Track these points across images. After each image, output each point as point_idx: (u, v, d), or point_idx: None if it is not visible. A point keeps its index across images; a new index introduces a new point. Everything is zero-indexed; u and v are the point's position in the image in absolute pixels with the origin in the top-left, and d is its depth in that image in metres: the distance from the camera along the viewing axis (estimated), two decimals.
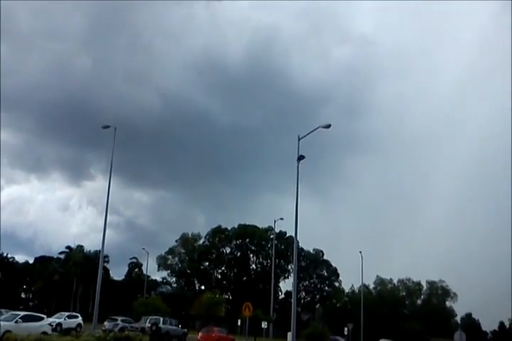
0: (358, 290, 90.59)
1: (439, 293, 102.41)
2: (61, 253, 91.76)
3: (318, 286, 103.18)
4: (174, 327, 45.45)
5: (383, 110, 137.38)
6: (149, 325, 42.16)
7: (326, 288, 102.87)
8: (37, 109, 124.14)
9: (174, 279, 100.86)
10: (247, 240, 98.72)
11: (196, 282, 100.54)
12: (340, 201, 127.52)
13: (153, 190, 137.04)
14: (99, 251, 42.97)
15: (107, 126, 38.39)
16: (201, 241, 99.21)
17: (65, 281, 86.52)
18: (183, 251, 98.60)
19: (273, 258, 72.85)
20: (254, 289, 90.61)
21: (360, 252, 70.22)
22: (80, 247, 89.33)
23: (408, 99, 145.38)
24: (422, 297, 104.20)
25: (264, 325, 51.03)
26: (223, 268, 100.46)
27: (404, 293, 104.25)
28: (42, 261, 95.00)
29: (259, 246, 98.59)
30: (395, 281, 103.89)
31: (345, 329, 64.56)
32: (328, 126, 31.20)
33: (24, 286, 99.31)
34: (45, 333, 28.09)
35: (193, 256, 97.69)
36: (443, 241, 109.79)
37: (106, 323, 47.77)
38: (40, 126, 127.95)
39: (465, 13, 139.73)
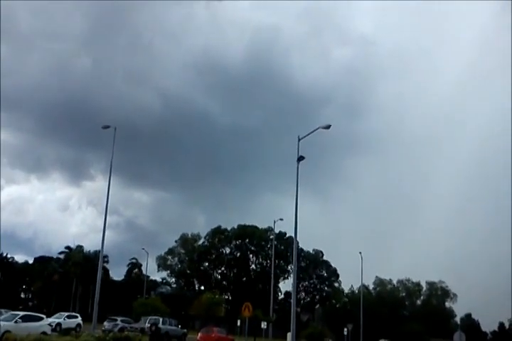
0: (358, 291, 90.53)
1: (439, 294, 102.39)
2: (61, 253, 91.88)
3: (318, 287, 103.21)
4: (174, 328, 45.45)
5: (383, 110, 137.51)
6: (149, 325, 42.15)
7: (326, 288, 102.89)
8: (37, 109, 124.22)
9: (174, 279, 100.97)
10: (247, 240, 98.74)
11: (196, 282, 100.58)
12: (340, 201, 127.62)
13: (153, 190, 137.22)
14: (99, 251, 42.91)
15: (107, 126, 38.35)
16: (201, 242, 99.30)
17: (64, 281, 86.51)
18: (182, 251, 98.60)
19: (273, 259, 72.89)
20: (254, 289, 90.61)
21: (360, 253, 70.21)
22: (80, 247, 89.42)
23: (408, 99, 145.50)
24: (422, 297, 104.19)
25: (263, 325, 51.13)
26: (223, 269, 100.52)
27: (403, 294, 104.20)
28: (41, 261, 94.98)
29: (258, 247, 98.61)
30: (395, 282, 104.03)
31: (345, 329, 64.51)
32: (328, 127, 31.16)
33: (24, 286, 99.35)
34: (44, 333, 28.07)
35: (192, 257, 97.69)
36: (443, 241, 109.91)
37: (105, 323, 47.81)
38: (40, 126, 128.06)
39: (465, 13, 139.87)
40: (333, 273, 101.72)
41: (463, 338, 34.36)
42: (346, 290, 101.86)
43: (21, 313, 31.43)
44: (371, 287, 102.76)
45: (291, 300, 33.66)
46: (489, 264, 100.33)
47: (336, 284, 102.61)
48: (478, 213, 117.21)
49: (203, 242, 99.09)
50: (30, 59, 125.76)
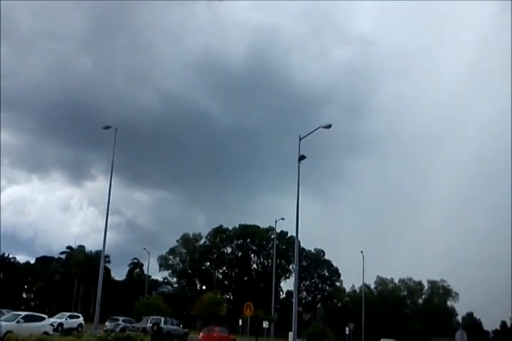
0: (359, 290, 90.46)
1: (441, 293, 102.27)
2: (62, 253, 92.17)
3: (320, 286, 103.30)
4: (175, 327, 45.49)
5: (383, 110, 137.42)
6: (150, 325, 42.33)
7: (327, 287, 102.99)
8: (37, 109, 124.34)
9: (175, 279, 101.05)
10: (248, 240, 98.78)
11: (197, 282, 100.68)
12: (341, 201, 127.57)
13: (153, 190, 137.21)
14: (100, 251, 42.97)
15: (108, 127, 38.41)
16: (202, 241, 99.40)
17: (66, 281, 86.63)
18: (184, 251, 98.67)
19: (274, 258, 72.86)
20: (256, 289, 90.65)
21: (362, 252, 70.16)
22: (81, 247, 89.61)
23: (408, 99, 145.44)
24: (424, 296, 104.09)
25: (265, 324, 51.00)
26: (224, 268, 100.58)
27: (405, 293, 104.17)
28: (43, 261, 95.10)
29: (260, 246, 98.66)
30: (396, 281, 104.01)
31: (347, 329, 64.43)
32: (328, 127, 31.14)
33: (25, 286, 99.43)
34: (46, 333, 28.17)
35: (194, 256, 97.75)
36: (443, 241, 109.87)
37: (107, 323, 47.81)
38: (41, 126, 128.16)
39: (465, 13, 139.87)
40: (335, 273, 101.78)
41: (464, 337, 34.35)
42: (348, 289, 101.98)
43: (23, 313, 31.51)
44: (372, 286, 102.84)
45: (293, 300, 33.67)
46: (490, 263, 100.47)
47: (338, 283, 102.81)
48: (478, 213, 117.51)
49: (205, 242, 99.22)
50: (31, 59, 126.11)
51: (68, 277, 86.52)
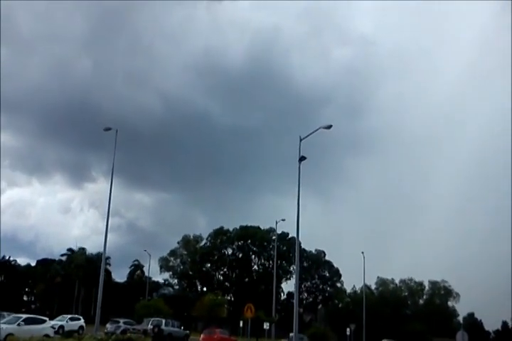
0: (360, 291, 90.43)
1: (442, 293, 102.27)
2: (63, 255, 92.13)
3: (320, 287, 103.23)
4: (176, 329, 45.50)
5: (383, 110, 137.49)
6: (151, 327, 42.31)
7: (328, 288, 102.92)
8: (38, 111, 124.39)
9: (176, 281, 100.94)
10: (249, 241, 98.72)
11: (198, 283, 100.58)
12: (342, 201, 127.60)
13: (154, 191, 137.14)
14: (101, 253, 42.99)
15: (109, 129, 38.40)
16: (203, 243, 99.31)
17: (67, 284, 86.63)
18: (184, 252, 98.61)
19: (275, 259, 72.85)
20: (256, 290, 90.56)
21: (363, 253, 70.20)
22: (82, 250, 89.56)
23: (408, 99, 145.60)
24: (424, 297, 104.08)
25: (266, 326, 51.02)
26: (225, 270, 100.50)
27: (406, 293, 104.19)
28: (44, 263, 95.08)
29: (261, 248, 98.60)
30: (397, 281, 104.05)
31: (348, 329, 64.48)
32: (329, 127, 31.12)
33: (26, 289, 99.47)
34: (47, 336, 28.20)
35: (194, 258, 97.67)
36: (443, 241, 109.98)
37: (108, 325, 47.75)
38: (41, 128, 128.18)
39: (465, 13, 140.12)
40: (336, 274, 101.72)
41: (465, 337, 34.23)
42: (349, 290, 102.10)
43: (24, 316, 31.44)
44: (373, 287, 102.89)
45: (294, 301, 33.65)
46: (490, 264, 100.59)
47: (339, 284, 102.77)
48: (478, 213, 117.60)
49: (205, 243, 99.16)
50: (31, 61, 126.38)
51: (69, 279, 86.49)
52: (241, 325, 52.34)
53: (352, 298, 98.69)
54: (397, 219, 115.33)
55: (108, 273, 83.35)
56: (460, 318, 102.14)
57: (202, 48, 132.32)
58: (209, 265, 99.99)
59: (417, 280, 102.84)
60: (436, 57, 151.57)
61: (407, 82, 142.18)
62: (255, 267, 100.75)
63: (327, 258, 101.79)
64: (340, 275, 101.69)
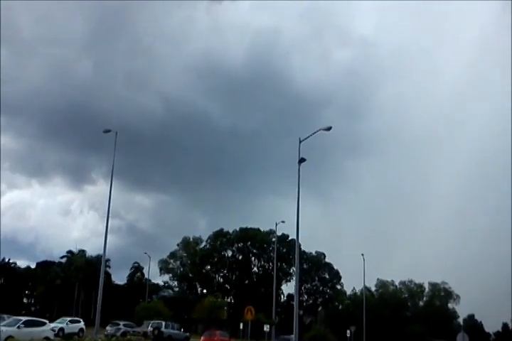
0: (360, 293, 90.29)
1: (442, 295, 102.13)
2: (63, 257, 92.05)
3: (320, 289, 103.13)
4: (176, 331, 45.50)
5: (383, 111, 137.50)
6: (151, 329, 42.31)
7: (328, 290, 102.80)
8: (38, 113, 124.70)
9: (176, 283, 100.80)
10: (249, 243, 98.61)
11: (198, 286, 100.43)
12: (342, 203, 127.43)
13: (154, 193, 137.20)
14: (101, 255, 42.94)
15: (108, 131, 38.46)
16: (203, 245, 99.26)
17: (66, 286, 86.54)
18: (184, 254, 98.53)
19: (275, 261, 72.77)
20: (256, 292, 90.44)
21: (363, 255, 70.14)
22: (82, 252, 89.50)
23: (408, 99, 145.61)
24: (425, 299, 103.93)
25: (266, 328, 50.95)
26: (225, 272, 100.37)
27: (406, 295, 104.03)
28: (43, 265, 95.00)
29: (260, 249, 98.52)
30: (397, 283, 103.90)
31: (348, 331, 64.38)
32: (329, 129, 31.18)
33: (26, 291, 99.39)
34: (47, 338, 28.21)
35: (194, 260, 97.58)
36: (443, 241, 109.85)
37: (108, 328, 47.72)
38: (42, 130, 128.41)
39: (465, 13, 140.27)
40: (336, 275, 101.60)
41: (466, 339, 34.25)
42: (348, 292, 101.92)
43: (24, 318, 31.40)
44: (373, 289, 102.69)
45: (294, 303, 33.62)
46: (490, 265, 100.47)
47: (339, 286, 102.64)
48: (478, 213, 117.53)
49: (205, 245, 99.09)
50: (31, 64, 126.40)
51: (69, 282, 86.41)
52: (241, 327, 52.33)
53: (352, 299, 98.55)
54: (396, 219, 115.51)
55: (108, 275, 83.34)
56: (460, 320, 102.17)
57: (202, 50, 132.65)
58: (209, 267, 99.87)
59: (417, 281, 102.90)
60: (436, 57, 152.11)
61: (407, 82, 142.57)
62: (255, 269, 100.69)
63: (327, 260, 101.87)
64: (340, 277, 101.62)
